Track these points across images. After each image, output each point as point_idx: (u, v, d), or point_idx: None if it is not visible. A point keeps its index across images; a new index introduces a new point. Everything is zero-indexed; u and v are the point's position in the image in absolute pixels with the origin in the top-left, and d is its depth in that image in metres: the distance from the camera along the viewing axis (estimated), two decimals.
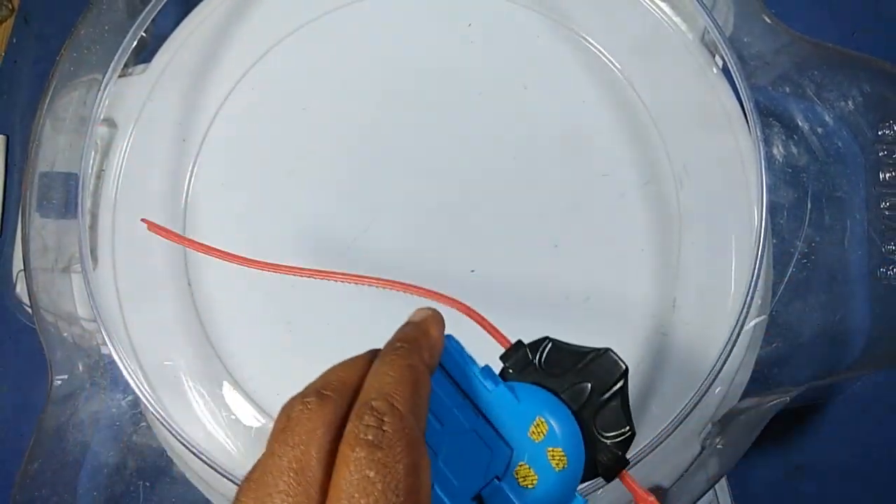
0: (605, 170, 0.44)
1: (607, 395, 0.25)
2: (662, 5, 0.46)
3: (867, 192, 0.43)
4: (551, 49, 0.46)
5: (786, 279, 0.43)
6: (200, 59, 0.47)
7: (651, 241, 0.43)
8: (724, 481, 0.46)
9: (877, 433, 0.49)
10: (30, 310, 0.44)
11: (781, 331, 0.43)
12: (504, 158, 0.44)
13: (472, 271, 0.43)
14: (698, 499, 0.39)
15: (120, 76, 0.45)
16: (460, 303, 0.28)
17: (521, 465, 0.23)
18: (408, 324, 0.24)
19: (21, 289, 0.45)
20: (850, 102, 0.43)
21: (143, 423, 0.44)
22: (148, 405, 0.40)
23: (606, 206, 0.43)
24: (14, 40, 0.56)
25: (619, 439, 0.24)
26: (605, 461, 0.24)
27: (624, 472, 0.25)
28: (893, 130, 0.43)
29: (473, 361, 0.25)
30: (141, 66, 0.47)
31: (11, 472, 0.47)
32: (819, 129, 0.44)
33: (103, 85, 0.42)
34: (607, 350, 0.25)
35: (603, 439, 0.24)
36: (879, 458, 0.50)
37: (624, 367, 0.25)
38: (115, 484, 0.43)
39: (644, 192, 0.44)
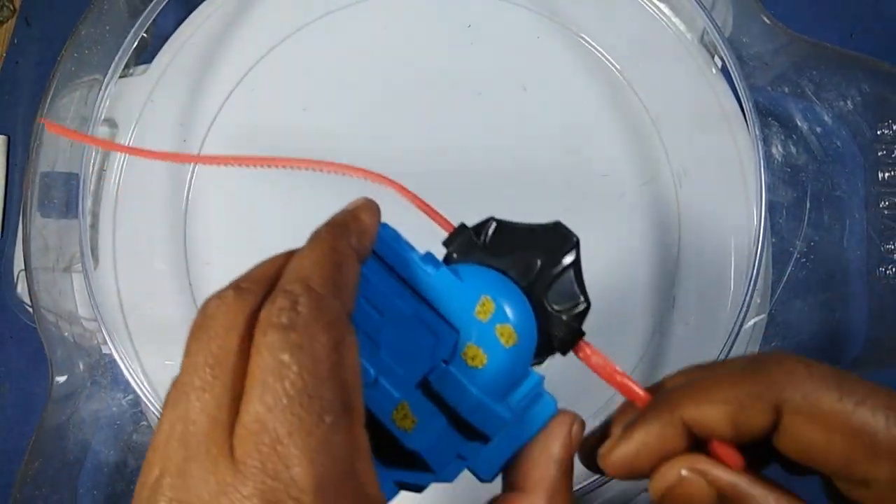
0: (605, 170, 0.44)
1: (559, 268, 0.23)
2: (662, 6, 0.46)
3: (866, 192, 0.43)
4: (551, 49, 0.46)
5: (785, 278, 0.43)
6: (201, 60, 0.47)
7: (651, 240, 0.43)
8: None
9: None
10: (31, 309, 0.44)
11: (780, 330, 0.43)
12: (504, 159, 0.44)
13: None
14: None
15: (121, 77, 0.45)
16: (399, 185, 0.27)
17: (468, 346, 0.22)
18: (337, 212, 0.23)
19: (22, 288, 0.45)
20: (848, 102, 0.44)
21: (144, 422, 0.44)
22: (148, 404, 0.40)
23: (606, 206, 0.43)
24: (15, 41, 0.57)
25: (573, 312, 0.23)
26: (560, 335, 0.23)
27: (581, 343, 0.24)
28: (892, 130, 0.43)
29: (412, 248, 0.24)
30: (142, 67, 0.47)
31: (12, 471, 0.47)
32: (818, 129, 0.44)
33: (104, 85, 0.42)
34: (557, 223, 0.24)
35: (556, 313, 0.23)
36: None
37: (575, 238, 0.24)
38: (115, 483, 0.43)
39: (644, 192, 0.44)
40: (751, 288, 0.37)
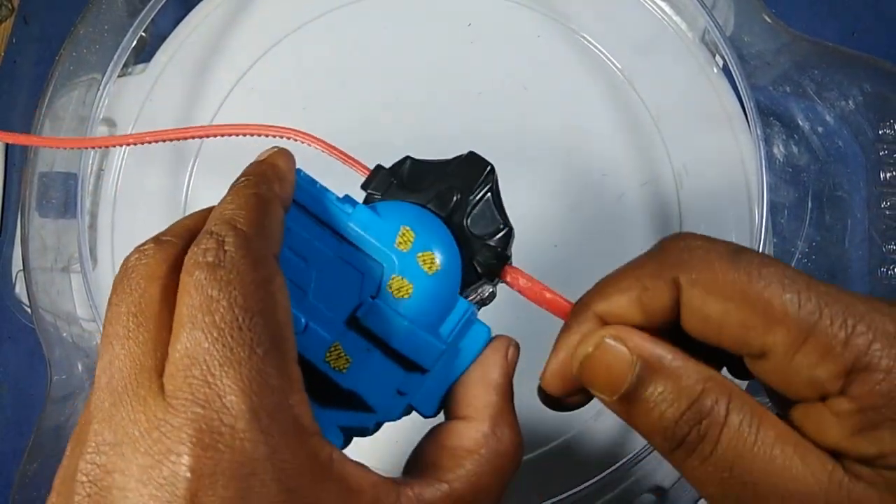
0: (605, 170, 0.44)
1: (476, 196, 0.24)
2: (663, 5, 0.46)
3: (868, 192, 0.43)
4: (551, 49, 0.46)
5: None
6: (200, 59, 0.47)
7: (651, 241, 0.43)
8: None
9: None
10: (29, 309, 0.44)
11: None
12: (504, 159, 0.44)
13: None
14: (699, 499, 0.39)
15: (119, 76, 0.45)
16: (315, 137, 0.27)
17: (393, 278, 0.22)
18: (252, 163, 0.23)
19: (20, 288, 0.45)
20: (850, 102, 0.43)
21: None
22: None
23: (606, 206, 0.43)
24: (14, 40, 0.56)
25: (496, 237, 0.24)
26: (484, 260, 0.24)
27: (507, 268, 0.24)
28: (894, 130, 0.43)
29: (328, 191, 0.24)
30: (140, 66, 0.47)
31: (11, 472, 0.47)
32: (819, 129, 0.44)
33: (103, 84, 0.42)
34: (470, 152, 0.25)
35: (479, 239, 0.24)
36: None
37: (489, 165, 0.25)
38: None
39: (644, 192, 0.43)
40: None
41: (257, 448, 0.16)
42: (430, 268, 0.22)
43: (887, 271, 0.42)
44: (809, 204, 0.43)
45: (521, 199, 0.44)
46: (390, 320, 0.22)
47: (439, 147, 0.44)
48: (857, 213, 0.43)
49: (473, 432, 0.21)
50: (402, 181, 0.25)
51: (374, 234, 0.23)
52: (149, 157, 0.45)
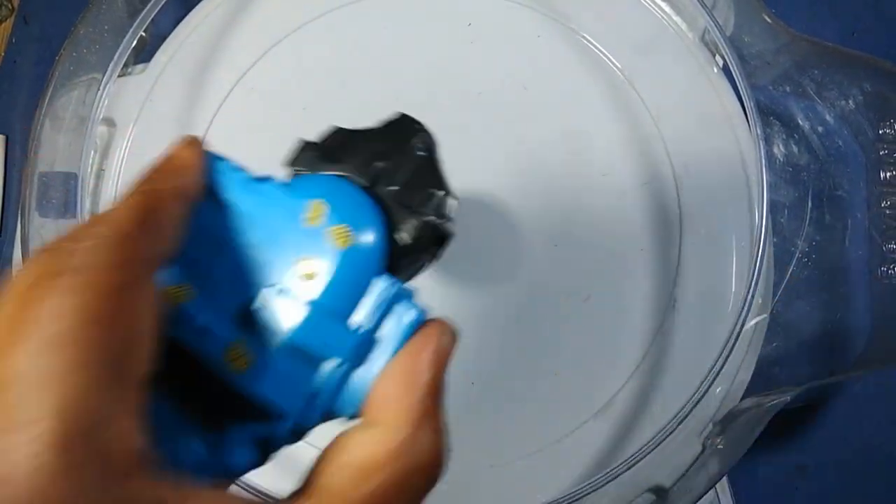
0: (605, 170, 0.44)
1: (406, 160, 0.22)
2: (663, 5, 0.46)
3: (868, 191, 0.43)
4: (551, 49, 0.46)
5: (786, 278, 0.43)
6: (200, 59, 0.47)
7: (651, 240, 0.43)
8: (724, 481, 0.45)
9: (878, 432, 0.49)
10: None
11: (782, 330, 0.43)
12: (503, 158, 0.44)
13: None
14: (699, 498, 0.39)
15: (119, 76, 0.45)
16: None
17: (299, 260, 0.19)
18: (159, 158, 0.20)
19: None
20: (850, 101, 0.43)
21: None
22: None
23: (606, 206, 0.43)
24: (13, 40, 0.56)
25: (428, 203, 0.21)
26: (413, 232, 0.21)
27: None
28: (894, 129, 0.43)
29: (242, 171, 0.21)
30: (140, 66, 0.47)
31: None
32: (820, 128, 0.44)
33: (103, 84, 0.42)
34: (401, 114, 0.22)
35: (408, 209, 0.21)
36: (881, 458, 0.50)
37: (420, 124, 0.22)
38: None
39: (644, 192, 0.43)
40: (752, 288, 0.37)
41: (50, 483, 0.13)
42: (343, 242, 0.19)
43: (887, 271, 0.42)
44: (809, 203, 0.43)
45: (520, 199, 0.44)
46: (291, 310, 0.19)
47: (439, 147, 0.45)
48: (857, 213, 0.43)
49: (387, 442, 0.17)
50: (324, 152, 0.22)
51: (280, 213, 0.20)
52: (149, 157, 0.45)
